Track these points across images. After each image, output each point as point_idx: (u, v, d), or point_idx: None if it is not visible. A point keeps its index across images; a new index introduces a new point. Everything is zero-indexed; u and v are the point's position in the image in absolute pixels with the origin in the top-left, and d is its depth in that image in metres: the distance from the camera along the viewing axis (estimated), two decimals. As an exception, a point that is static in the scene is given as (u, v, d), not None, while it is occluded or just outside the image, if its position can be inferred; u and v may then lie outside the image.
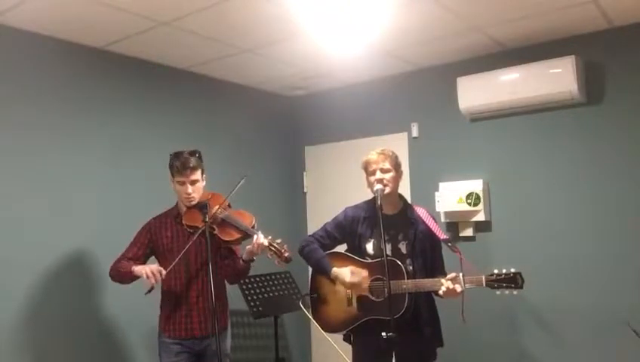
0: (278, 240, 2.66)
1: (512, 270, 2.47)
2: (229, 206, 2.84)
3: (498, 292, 2.48)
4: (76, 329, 3.15)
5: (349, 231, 2.77)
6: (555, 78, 3.29)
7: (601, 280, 3.29)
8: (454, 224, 3.81)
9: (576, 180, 3.41)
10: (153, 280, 2.58)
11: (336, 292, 2.70)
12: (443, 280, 2.48)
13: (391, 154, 2.72)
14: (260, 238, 2.65)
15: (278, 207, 4.56)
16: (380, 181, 2.63)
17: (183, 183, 2.75)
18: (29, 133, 3.03)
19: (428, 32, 3.30)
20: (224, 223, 2.73)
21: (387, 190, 2.63)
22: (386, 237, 2.58)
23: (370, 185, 2.70)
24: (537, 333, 3.49)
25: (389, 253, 2.61)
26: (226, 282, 2.94)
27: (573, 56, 3.25)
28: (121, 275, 2.76)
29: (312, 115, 4.66)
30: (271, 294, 3.72)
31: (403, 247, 2.66)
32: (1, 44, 2.94)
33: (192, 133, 3.85)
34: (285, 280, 3.90)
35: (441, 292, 2.49)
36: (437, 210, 3.79)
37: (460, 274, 2.48)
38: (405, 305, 2.51)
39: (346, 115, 4.43)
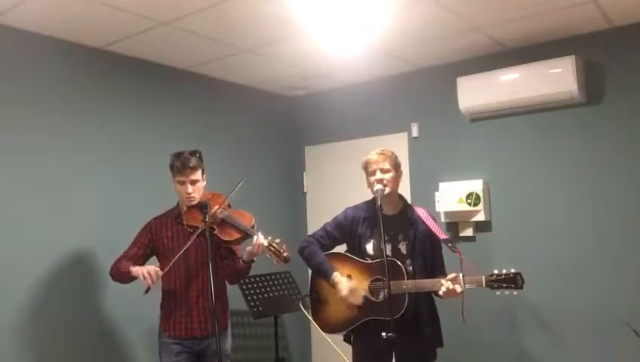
0: (278, 240, 2.67)
1: (512, 270, 2.47)
2: (229, 206, 2.84)
3: (498, 293, 2.48)
4: (77, 329, 3.15)
5: (349, 231, 2.77)
6: (555, 78, 3.29)
7: (601, 280, 3.29)
8: (454, 224, 3.81)
9: (576, 180, 3.41)
10: (149, 281, 2.59)
11: (336, 293, 2.70)
12: (443, 281, 2.48)
13: (391, 154, 2.72)
14: (260, 239, 2.65)
15: (278, 207, 4.56)
16: (380, 181, 2.63)
17: (183, 183, 2.75)
18: (29, 133, 3.03)
19: (428, 32, 3.30)
20: (224, 223, 2.74)
21: (387, 190, 2.63)
22: (386, 238, 2.58)
23: (370, 185, 2.70)
24: (537, 333, 3.49)
25: (389, 253, 2.61)
26: (226, 282, 2.95)
27: (573, 56, 3.25)
28: (121, 275, 2.77)
29: (312, 115, 4.66)
30: (271, 294, 3.72)
31: (403, 248, 2.66)
32: (1, 44, 2.94)
33: (192, 133, 3.85)
34: (285, 281, 3.89)
35: (441, 292, 2.49)
36: (437, 210, 3.79)
37: (460, 275, 2.48)
38: (405, 306, 2.51)
39: (346, 115, 4.43)
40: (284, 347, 4.42)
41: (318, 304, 2.76)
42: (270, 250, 2.64)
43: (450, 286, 2.46)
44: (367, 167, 2.71)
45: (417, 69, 4.05)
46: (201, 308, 2.78)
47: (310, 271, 2.85)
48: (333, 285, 2.66)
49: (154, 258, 2.90)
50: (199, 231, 2.65)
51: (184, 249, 2.66)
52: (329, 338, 2.64)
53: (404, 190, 3.80)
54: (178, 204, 2.90)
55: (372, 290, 2.63)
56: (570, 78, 3.24)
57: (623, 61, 3.28)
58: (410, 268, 2.62)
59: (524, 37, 3.43)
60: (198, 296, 2.79)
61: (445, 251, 2.70)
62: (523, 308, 3.51)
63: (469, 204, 3.64)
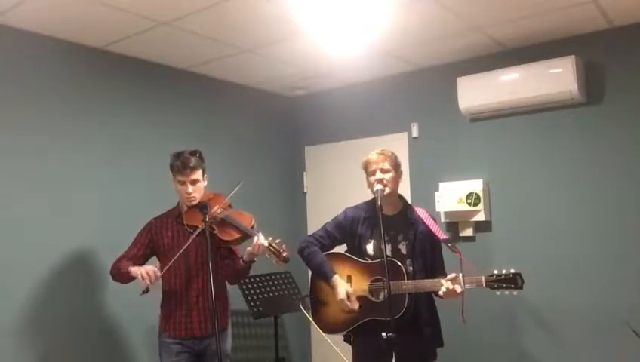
0: (278, 241, 2.66)
1: (512, 270, 2.47)
2: (230, 206, 2.84)
3: (498, 293, 2.48)
4: (77, 329, 3.15)
5: (349, 231, 2.77)
6: (555, 78, 3.29)
7: (601, 280, 3.29)
8: (454, 224, 3.81)
9: (576, 180, 3.41)
10: (148, 281, 2.59)
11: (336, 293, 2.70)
12: (443, 281, 2.48)
13: (390, 154, 2.72)
14: (261, 239, 2.65)
15: (278, 207, 4.56)
16: (380, 181, 2.63)
17: (183, 183, 2.75)
18: (29, 133, 3.03)
19: (428, 32, 3.30)
20: (224, 223, 2.74)
21: (387, 190, 2.63)
22: (386, 238, 2.58)
23: (370, 185, 2.70)
24: (537, 333, 3.49)
25: (389, 253, 2.61)
26: (226, 282, 2.95)
27: (573, 56, 3.25)
28: (120, 275, 2.77)
29: (312, 115, 4.66)
30: (271, 294, 3.72)
31: (403, 248, 2.66)
32: (1, 44, 2.94)
33: (192, 133, 3.85)
34: (285, 281, 3.89)
35: (440, 292, 2.49)
36: (437, 210, 3.79)
37: (460, 275, 2.48)
38: (405, 306, 2.52)
39: (346, 115, 4.43)
40: (284, 347, 4.42)
41: (318, 304, 2.76)
42: (270, 250, 2.63)
43: (450, 287, 2.46)
44: (367, 167, 2.71)
45: (417, 69, 4.05)
46: (201, 308, 2.78)
47: (310, 272, 2.85)
48: (332, 287, 2.66)
49: (154, 258, 2.90)
50: (199, 230, 2.64)
51: (184, 248, 2.66)
52: (329, 338, 2.65)
53: (404, 190, 3.80)
54: (178, 203, 2.90)
55: (372, 290, 2.63)
56: (570, 78, 3.24)
57: (623, 61, 3.28)
58: (410, 268, 2.62)
59: (524, 37, 3.43)
60: (198, 295, 2.79)
61: (445, 251, 2.70)
62: (523, 308, 3.51)
63: (469, 203, 3.64)
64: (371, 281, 2.64)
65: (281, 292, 3.80)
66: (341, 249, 2.83)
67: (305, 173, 4.73)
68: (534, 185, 3.55)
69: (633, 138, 3.24)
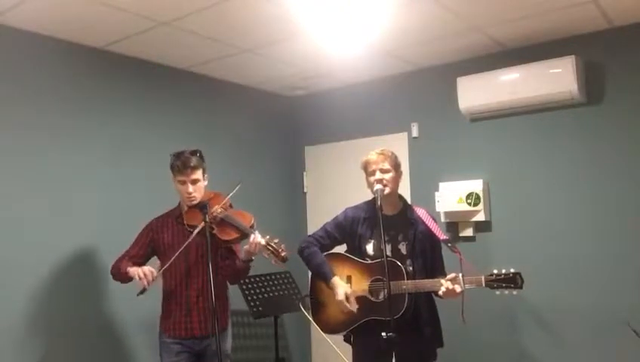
0: (276, 240, 2.66)
1: (512, 270, 2.47)
2: (230, 206, 2.84)
3: (498, 293, 2.48)
4: (77, 329, 3.15)
5: (349, 231, 2.77)
6: (555, 78, 3.29)
7: (601, 280, 3.29)
8: (454, 224, 3.81)
9: (576, 180, 3.41)
10: (145, 282, 2.59)
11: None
12: (443, 281, 2.48)
13: (390, 154, 2.71)
14: (257, 238, 2.65)
15: (278, 207, 4.56)
16: (380, 181, 2.63)
17: (183, 182, 2.76)
18: (29, 133, 3.03)
19: (428, 32, 3.30)
20: (223, 223, 2.74)
21: (387, 190, 2.63)
22: (386, 238, 2.58)
23: (370, 185, 2.70)
24: (537, 333, 3.49)
25: (388, 253, 2.61)
26: (227, 282, 2.95)
27: (573, 56, 3.25)
28: (120, 275, 2.78)
29: (312, 115, 4.66)
30: (271, 294, 3.72)
31: (403, 248, 2.66)
32: (1, 44, 2.94)
33: (192, 133, 3.85)
34: (285, 281, 3.89)
35: (440, 292, 2.49)
36: (437, 210, 3.79)
37: (460, 275, 2.48)
38: (405, 306, 2.52)
39: (346, 115, 4.43)
40: (284, 347, 4.42)
41: (318, 304, 2.76)
42: (268, 249, 2.63)
43: (450, 286, 2.46)
44: (366, 167, 2.71)
45: (417, 69, 4.05)
46: (201, 307, 2.79)
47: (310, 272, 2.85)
48: (331, 288, 2.66)
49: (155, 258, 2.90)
50: (198, 228, 2.65)
51: (183, 247, 2.67)
52: (329, 338, 2.65)
53: (404, 190, 3.80)
54: (180, 204, 2.91)
55: (372, 290, 2.63)
56: (570, 78, 3.24)
57: (623, 61, 3.28)
58: (410, 268, 2.62)
59: (524, 37, 3.43)
60: (198, 295, 2.79)
61: (445, 251, 2.70)
62: (523, 308, 3.51)
63: (469, 203, 3.64)
64: (371, 281, 2.64)
65: (281, 292, 3.80)
66: (341, 249, 2.83)
67: (305, 173, 4.73)
68: (534, 185, 3.55)
69: (633, 138, 3.24)
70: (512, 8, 2.99)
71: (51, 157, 3.12)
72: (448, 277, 2.49)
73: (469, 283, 2.48)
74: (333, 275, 2.68)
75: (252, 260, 2.78)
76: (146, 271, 2.62)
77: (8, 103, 2.96)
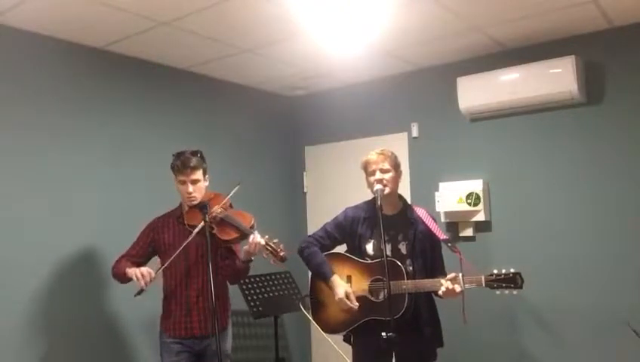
0: (275, 240, 2.67)
1: (512, 270, 2.47)
2: (231, 206, 2.84)
3: (498, 293, 2.48)
4: (78, 329, 3.15)
5: (349, 231, 2.77)
6: (555, 78, 3.29)
7: (601, 280, 3.29)
8: (454, 224, 3.81)
9: (576, 180, 3.41)
10: (142, 282, 2.59)
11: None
12: (443, 281, 2.48)
13: (390, 154, 2.72)
14: (257, 237, 2.65)
15: (278, 207, 4.56)
16: (380, 181, 2.63)
17: (184, 182, 2.76)
18: (29, 133, 3.03)
19: (428, 32, 3.30)
20: (223, 223, 2.74)
21: (387, 190, 2.63)
22: (386, 238, 2.58)
23: (370, 185, 2.70)
24: (537, 333, 3.49)
25: (388, 253, 2.61)
26: (227, 282, 2.95)
27: (573, 56, 3.25)
28: (119, 275, 2.79)
29: (312, 115, 4.66)
30: (271, 294, 3.72)
31: (403, 248, 2.66)
32: (1, 44, 2.94)
33: (192, 133, 3.85)
34: (285, 280, 3.89)
35: (440, 292, 2.49)
36: (437, 210, 3.79)
37: (460, 275, 2.48)
38: (405, 306, 2.52)
39: (346, 115, 4.43)
40: (284, 347, 4.42)
41: (318, 304, 2.76)
42: (267, 249, 2.64)
43: (450, 286, 2.46)
44: (366, 167, 2.71)
45: (417, 69, 4.05)
46: (201, 307, 2.79)
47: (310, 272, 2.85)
48: (331, 288, 2.67)
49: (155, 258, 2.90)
50: (198, 228, 2.65)
51: (182, 246, 2.67)
52: (329, 338, 2.65)
53: (404, 190, 3.80)
54: (181, 204, 2.91)
55: (372, 290, 2.63)
56: (570, 78, 3.24)
57: (623, 61, 3.28)
58: (410, 268, 2.62)
59: (524, 37, 3.43)
60: (199, 295, 2.79)
61: (445, 251, 2.70)
62: (523, 308, 3.51)
63: (469, 203, 3.64)
64: (371, 281, 2.64)
65: (281, 292, 3.80)
66: (341, 249, 2.83)
67: (305, 173, 4.73)
68: (534, 185, 3.55)
69: (633, 138, 3.24)
70: (512, 8, 2.99)
71: (51, 157, 3.12)
72: (448, 277, 2.49)
73: (469, 283, 2.48)
74: (333, 274, 2.68)
75: (252, 260, 2.78)
76: (144, 272, 2.62)
77: (8, 103, 2.96)
